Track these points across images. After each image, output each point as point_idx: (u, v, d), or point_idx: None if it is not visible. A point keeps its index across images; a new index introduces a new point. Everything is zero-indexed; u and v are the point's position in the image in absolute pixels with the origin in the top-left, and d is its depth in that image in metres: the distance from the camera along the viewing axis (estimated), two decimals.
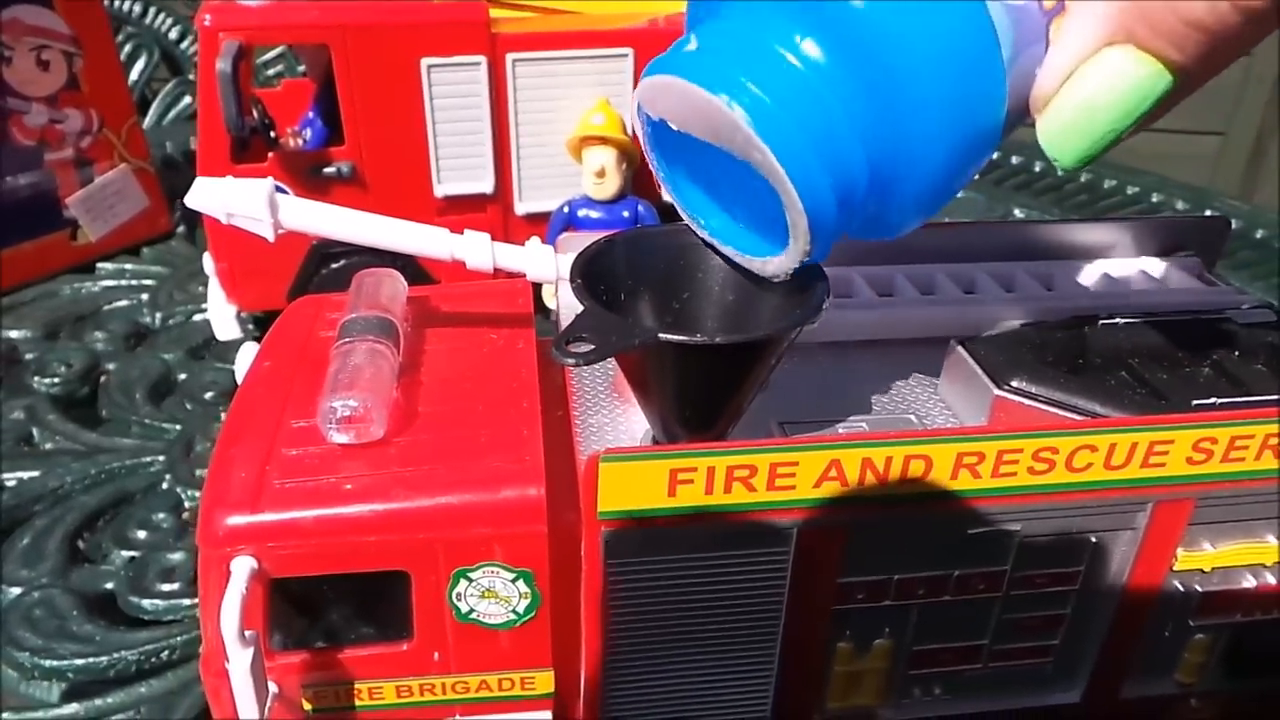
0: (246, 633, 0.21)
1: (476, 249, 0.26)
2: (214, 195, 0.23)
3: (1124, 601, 0.27)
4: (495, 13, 0.51)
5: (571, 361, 0.20)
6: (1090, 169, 0.83)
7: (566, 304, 0.22)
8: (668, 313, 0.24)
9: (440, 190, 0.53)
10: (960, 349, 0.28)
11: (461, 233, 0.26)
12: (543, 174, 0.54)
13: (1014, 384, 0.26)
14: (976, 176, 0.83)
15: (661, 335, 0.21)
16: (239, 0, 0.49)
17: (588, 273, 0.23)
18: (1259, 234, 0.73)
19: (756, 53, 0.19)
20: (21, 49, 0.60)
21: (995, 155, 0.87)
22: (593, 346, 0.20)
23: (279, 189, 0.55)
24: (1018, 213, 0.77)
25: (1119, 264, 0.33)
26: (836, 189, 0.20)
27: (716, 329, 0.24)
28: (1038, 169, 0.84)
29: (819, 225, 0.20)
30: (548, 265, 0.26)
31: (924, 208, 0.21)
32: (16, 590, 0.40)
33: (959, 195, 0.86)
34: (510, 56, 0.51)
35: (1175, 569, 0.26)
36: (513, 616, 0.24)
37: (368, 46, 0.49)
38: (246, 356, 0.27)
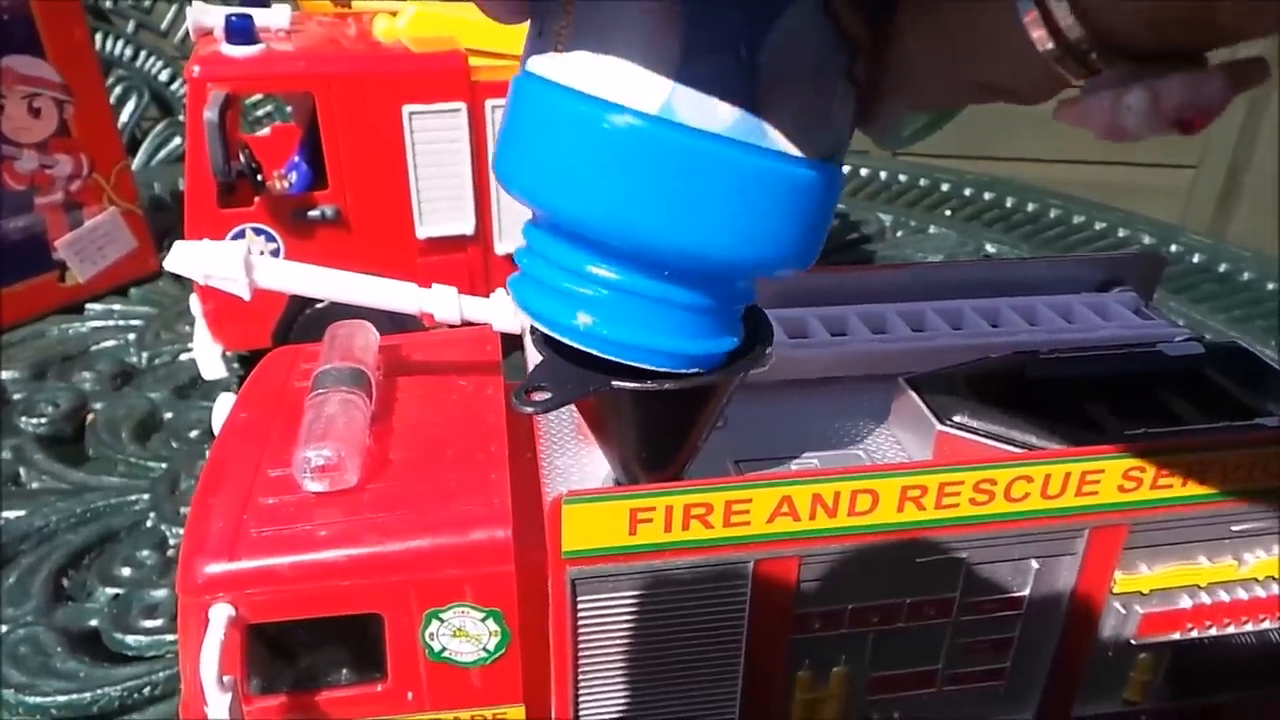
0: (225, 678, 0.22)
1: (443, 302, 0.27)
2: (191, 259, 0.25)
3: (1069, 624, 0.28)
4: (475, 61, 0.53)
5: (530, 410, 0.22)
6: (1061, 205, 0.86)
7: (531, 353, 0.23)
8: None
9: (422, 232, 0.55)
10: (906, 386, 0.29)
11: (429, 286, 0.28)
12: (522, 215, 0.55)
13: (955, 419, 0.28)
14: (949, 213, 0.85)
15: (614, 383, 0.22)
16: (225, 51, 0.51)
17: None
18: (1222, 268, 0.75)
19: (569, 292, 0.21)
20: (14, 97, 0.62)
21: (968, 192, 0.90)
22: (550, 395, 0.22)
23: (266, 233, 0.57)
24: (989, 247, 0.79)
25: (1061, 300, 0.35)
26: (703, 332, 0.22)
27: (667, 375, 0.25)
28: (1009, 204, 0.87)
29: (703, 361, 0.22)
30: (512, 316, 0.28)
31: (806, 260, 0.22)
32: (2, 628, 0.40)
33: (931, 231, 0.87)
34: (489, 102, 0.53)
35: (1115, 592, 0.28)
36: (483, 654, 0.25)
37: (351, 95, 0.51)
38: (224, 406, 0.29)
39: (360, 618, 0.24)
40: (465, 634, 0.25)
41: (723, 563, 0.25)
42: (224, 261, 0.24)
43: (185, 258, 0.25)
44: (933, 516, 0.25)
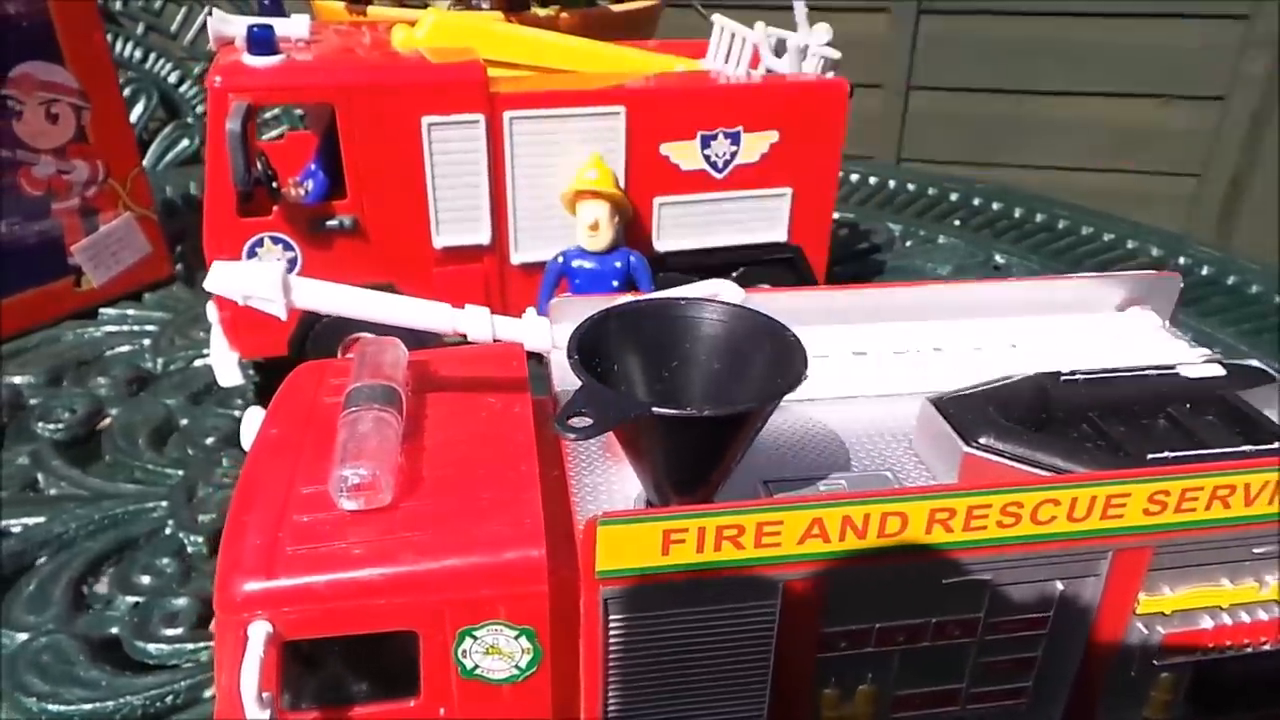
0: (264, 695, 0.22)
1: (477, 322, 0.27)
2: (231, 279, 0.25)
3: (1091, 644, 0.28)
4: (493, 73, 0.54)
5: (573, 436, 0.22)
6: (1069, 215, 0.86)
7: (559, 371, 0.24)
8: (658, 381, 0.26)
9: (439, 242, 0.55)
10: (931, 407, 0.30)
11: (454, 300, 0.28)
12: (538, 226, 0.56)
13: (981, 441, 0.28)
14: (958, 223, 0.85)
15: (654, 409, 0.22)
16: (246, 61, 0.51)
17: (583, 347, 0.25)
18: (1230, 280, 0.75)
19: None
20: (32, 104, 0.62)
21: (976, 202, 0.90)
22: (591, 421, 0.22)
23: (284, 242, 0.57)
24: (998, 258, 0.79)
25: (1081, 319, 0.35)
26: None
27: (704, 397, 0.26)
28: (1018, 214, 0.87)
29: None
30: (544, 336, 0.28)
31: None
32: (23, 636, 0.40)
33: (940, 241, 0.87)
34: (508, 114, 0.53)
35: (1138, 613, 0.28)
36: (515, 671, 0.25)
37: (371, 106, 0.51)
38: (253, 421, 0.29)
39: (394, 635, 0.24)
40: (498, 651, 0.25)
41: (753, 582, 0.25)
42: (263, 282, 0.25)
43: (224, 278, 0.25)
44: (960, 539, 0.26)
